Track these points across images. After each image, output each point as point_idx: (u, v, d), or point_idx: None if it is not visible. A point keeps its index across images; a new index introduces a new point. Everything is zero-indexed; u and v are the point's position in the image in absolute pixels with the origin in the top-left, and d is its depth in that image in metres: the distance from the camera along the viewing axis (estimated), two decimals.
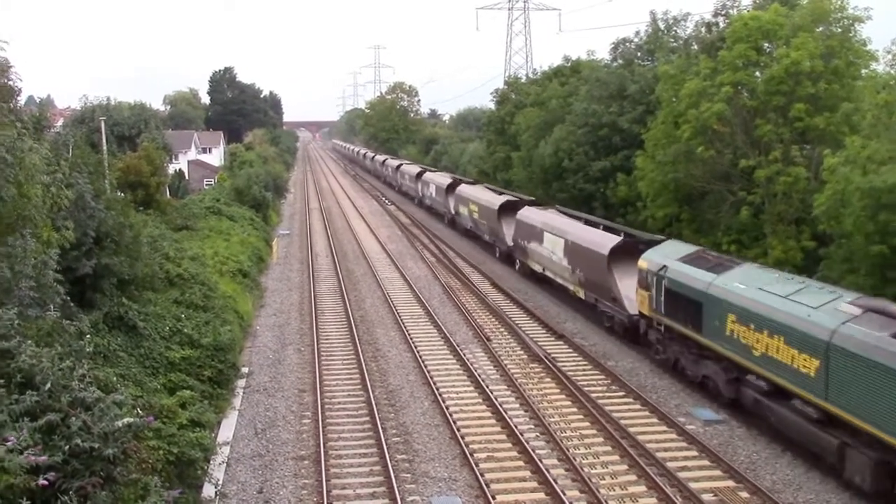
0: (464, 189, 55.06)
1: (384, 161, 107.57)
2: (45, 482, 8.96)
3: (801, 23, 31.29)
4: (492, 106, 74.59)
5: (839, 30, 31.76)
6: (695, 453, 19.22)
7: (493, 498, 16.72)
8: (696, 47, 38.22)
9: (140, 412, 12.45)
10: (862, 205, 23.21)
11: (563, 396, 23.13)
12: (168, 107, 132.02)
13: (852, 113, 28.29)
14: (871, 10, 31.50)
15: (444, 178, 64.50)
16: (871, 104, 25.88)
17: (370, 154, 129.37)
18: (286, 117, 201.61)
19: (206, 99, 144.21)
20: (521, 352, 27.64)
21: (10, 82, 16.35)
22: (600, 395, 23.20)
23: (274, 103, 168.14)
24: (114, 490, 10.03)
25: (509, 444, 19.62)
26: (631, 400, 22.95)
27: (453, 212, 57.80)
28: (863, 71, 31.87)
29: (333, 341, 28.81)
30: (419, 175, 75.08)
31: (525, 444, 19.30)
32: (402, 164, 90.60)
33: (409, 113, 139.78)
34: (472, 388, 23.77)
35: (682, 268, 23.95)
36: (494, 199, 46.40)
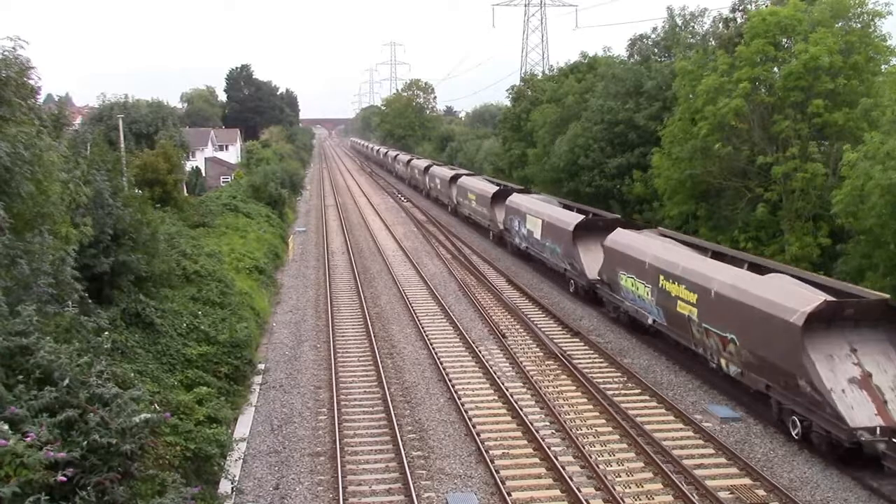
0: (623, 241, 29.36)
1: (427, 168, 78.98)
2: (64, 478, 9.05)
3: (821, 18, 31.09)
4: (508, 103, 74.44)
5: (859, 25, 31.55)
6: (711, 451, 19.14)
7: (509, 495, 16.71)
8: (713, 43, 38.06)
9: (157, 408, 12.55)
10: (883, 202, 23.02)
11: (579, 393, 23.08)
12: (185, 104, 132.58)
13: (872, 109, 28.06)
14: (892, 5, 31.29)
15: (560, 213, 37.80)
16: (891, 100, 25.64)
17: (403, 157, 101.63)
18: (302, 114, 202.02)
19: (223, 97, 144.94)
20: (537, 349, 27.60)
21: (31, 81, 16.49)
22: (616, 392, 23.14)
23: (290, 101, 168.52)
24: (131, 485, 10.12)
25: (525, 441, 19.61)
26: (647, 397, 22.87)
27: (593, 276, 32.38)
28: (883, 66, 31.65)
29: (349, 338, 28.86)
30: (497, 197, 48.88)
31: (541, 441, 19.28)
32: (459, 176, 63.87)
33: (426, 110, 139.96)
34: (487, 385, 23.77)
35: None
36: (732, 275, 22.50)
